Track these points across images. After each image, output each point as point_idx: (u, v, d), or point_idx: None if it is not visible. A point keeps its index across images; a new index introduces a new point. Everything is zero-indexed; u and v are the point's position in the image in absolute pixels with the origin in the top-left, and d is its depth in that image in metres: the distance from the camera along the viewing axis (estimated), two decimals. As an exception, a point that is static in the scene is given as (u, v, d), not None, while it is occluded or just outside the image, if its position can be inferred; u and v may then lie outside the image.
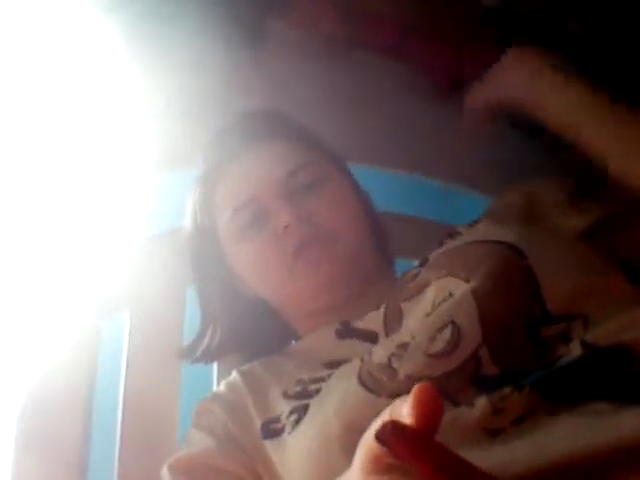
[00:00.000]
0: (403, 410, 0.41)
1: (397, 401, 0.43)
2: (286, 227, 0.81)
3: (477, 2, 1.00)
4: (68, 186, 1.08)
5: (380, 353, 0.69)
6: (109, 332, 1.02)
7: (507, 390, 0.59)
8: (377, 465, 0.44)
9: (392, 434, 0.40)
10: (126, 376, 0.98)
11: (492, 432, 0.57)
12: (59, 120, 1.08)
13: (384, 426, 0.41)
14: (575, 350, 0.62)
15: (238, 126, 0.91)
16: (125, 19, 1.01)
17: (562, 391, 0.59)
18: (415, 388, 0.40)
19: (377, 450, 0.42)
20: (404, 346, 0.67)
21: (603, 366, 0.60)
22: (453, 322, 0.66)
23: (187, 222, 0.93)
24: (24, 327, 0.99)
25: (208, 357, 0.93)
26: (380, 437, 0.41)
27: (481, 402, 0.59)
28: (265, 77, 1.09)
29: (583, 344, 0.62)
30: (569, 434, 0.55)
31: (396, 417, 0.42)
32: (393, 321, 0.75)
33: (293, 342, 0.88)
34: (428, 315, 0.69)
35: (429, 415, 0.40)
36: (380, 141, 1.14)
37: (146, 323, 1.02)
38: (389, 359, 0.67)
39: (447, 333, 0.65)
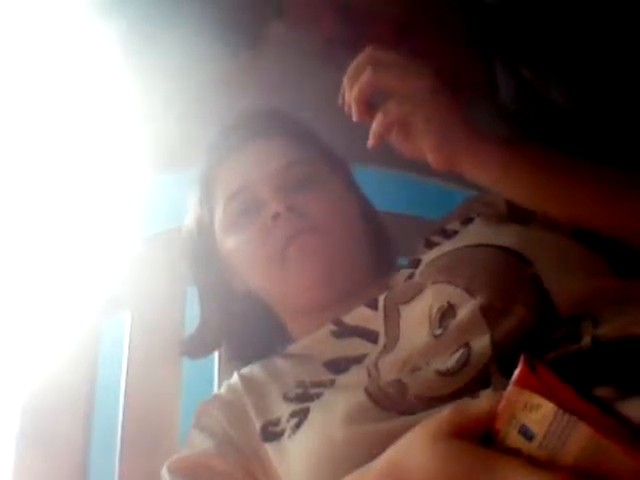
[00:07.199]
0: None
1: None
2: (275, 216, 0.81)
3: (477, 2, 1.00)
4: (68, 187, 1.09)
5: (391, 372, 0.69)
6: (110, 331, 1.02)
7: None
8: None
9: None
10: (127, 375, 0.98)
11: None
12: (57, 123, 1.08)
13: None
14: (586, 346, 0.62)
15: (238, 125, 0.92)
16: (122, 22, 1.01)
17: (569, 379, 0.59)
18: None
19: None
20: (418, 370, 0.67)
21: (611, 356, 0.60)
22: (467, 344, 0.66)
23: (187, 220, 0.93)
24: (25, 326, 0.99)
25: (204, 351, 0.94)
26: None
27: (486, 394, 0.59)
28: (264, 79, 1.09)
29: (594, 340, 0.62)
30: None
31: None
32: (392, 324, 0.74)
33: (289, 345, 0.88)
34: (437, 337, 0.68)
35: None
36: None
37: (147, 322, 1.02)
38: (400, 378, 0.67)
39: (458, 354, 0.65)
